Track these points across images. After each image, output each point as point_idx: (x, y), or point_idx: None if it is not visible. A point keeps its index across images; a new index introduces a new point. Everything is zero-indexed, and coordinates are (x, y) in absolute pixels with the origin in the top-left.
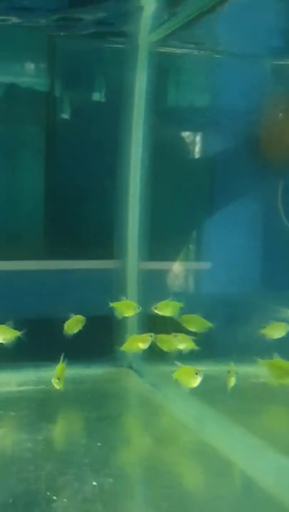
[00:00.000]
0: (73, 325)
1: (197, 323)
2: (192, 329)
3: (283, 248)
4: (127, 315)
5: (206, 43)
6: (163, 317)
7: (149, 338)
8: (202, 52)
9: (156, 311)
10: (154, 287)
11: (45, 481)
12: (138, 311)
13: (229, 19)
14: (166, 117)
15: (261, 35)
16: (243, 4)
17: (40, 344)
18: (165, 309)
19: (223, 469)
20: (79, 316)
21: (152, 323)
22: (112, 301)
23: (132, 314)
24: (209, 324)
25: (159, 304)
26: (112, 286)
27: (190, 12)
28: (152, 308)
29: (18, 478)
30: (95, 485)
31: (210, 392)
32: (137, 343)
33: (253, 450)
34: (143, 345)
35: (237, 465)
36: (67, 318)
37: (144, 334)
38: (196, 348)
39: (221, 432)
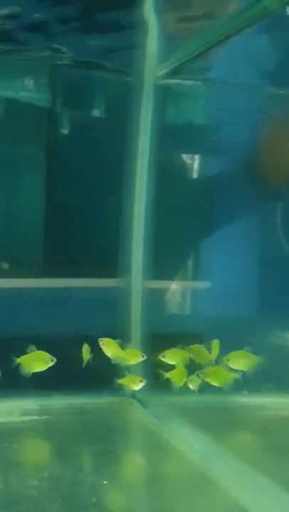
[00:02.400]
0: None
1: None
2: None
3: (282, 270)
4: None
5: (207, 73)
6: (166, 338)
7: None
8: (203, 82)
9: (164, 360)
10: (157, 306)
11: None
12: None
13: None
14: (169, 142)
15: (260, 65)
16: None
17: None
18: (172, 358)
19: (229, 509)
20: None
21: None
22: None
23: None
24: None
25: (167, 353)
26: (116, 305)
27: (197, 47)
28: (160, 356)
29: None
30: None
31: (216, 426)
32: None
33: (263, 491)
34: (136, 387)
35: (248, 508)
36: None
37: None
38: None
39: (230, 472)
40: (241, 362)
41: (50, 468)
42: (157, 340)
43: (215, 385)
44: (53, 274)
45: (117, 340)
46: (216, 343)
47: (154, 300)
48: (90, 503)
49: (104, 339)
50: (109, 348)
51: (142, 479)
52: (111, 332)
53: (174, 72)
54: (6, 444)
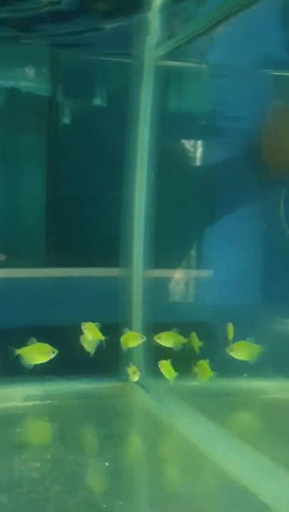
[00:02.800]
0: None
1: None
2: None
3: (285, 258)
4: (132, 345)
5: (208, 56)
6: (168, 327)
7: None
8: (205, 65)
9: (159, 341)
10: (158, 295)
11: (55, 503)
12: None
13: (231, 32)
14: (169, 129)
15: (263, 47)
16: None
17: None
18: (167, 340)
19: (234, 493)
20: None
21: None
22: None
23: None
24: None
25: (162, 335)
26: (117, 294)
27: (197, 27)
28: (155, 338)
29: (27, 500)
30: (105, 507)
31: (217, 409)
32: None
33: (264, 471)
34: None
35: (249, 489)
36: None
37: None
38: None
39: (231, 453)
40: (244, 352)
41: (52, 450)
42: (160, 330)
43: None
44: (55, 264)
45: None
46: (230, 327)
47: (156, 289)
48: (92, 484)
49: (87, 323)
50: (91, 332)
51: (143, 461)
52: (112, 321)
53: (175, 54)
54: (9, 428)
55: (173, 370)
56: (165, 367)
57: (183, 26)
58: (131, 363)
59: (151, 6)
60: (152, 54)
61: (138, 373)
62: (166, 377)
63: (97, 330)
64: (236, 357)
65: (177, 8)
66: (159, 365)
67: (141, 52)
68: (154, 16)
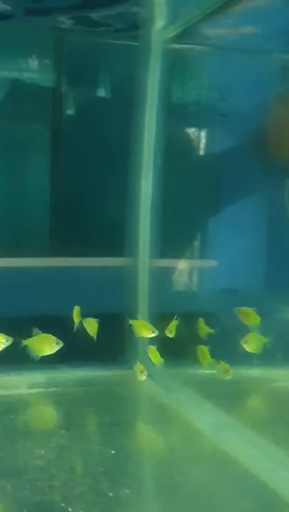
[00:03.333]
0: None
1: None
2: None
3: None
4: (144, 336)
5: (216, 38)
6: (173, 317)
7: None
8: (211, 48)
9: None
10: (164, 284)
11: (60, 491)
12: (154, 334)
13: (240, 14)
14: (174, 115)
15: (273, 29)
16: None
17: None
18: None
19: (243, 481)
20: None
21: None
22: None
23: (148, 336)
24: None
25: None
26: (123, 283)
27: (204, 8)
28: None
29: (32, 488)
30: (111, 496)
31: (225, 397)
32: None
33: (274, 460)
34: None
35: (258, 476)
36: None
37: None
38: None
39: (238, 441)
40: (255, 344)
41: (57, 438)
42: (166, 319)
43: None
44: (60, 254)
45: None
46: (201, 321)
47: (162, 278)
48: (98, 472)
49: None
50: (90, 326)
51: (150, 449)
52: (118, 311)
53: (183, 36)
54: (13, 416)
55: (159, 356)
56: (152, 352)
57: (191, 7)
58: (137, 361)
59: None
60: (160, 36)
61: (145, 372)
62: (153, 361)
63: (95, 327)
64: (248, 349)
65: None
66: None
67: (148, 34)
68: None
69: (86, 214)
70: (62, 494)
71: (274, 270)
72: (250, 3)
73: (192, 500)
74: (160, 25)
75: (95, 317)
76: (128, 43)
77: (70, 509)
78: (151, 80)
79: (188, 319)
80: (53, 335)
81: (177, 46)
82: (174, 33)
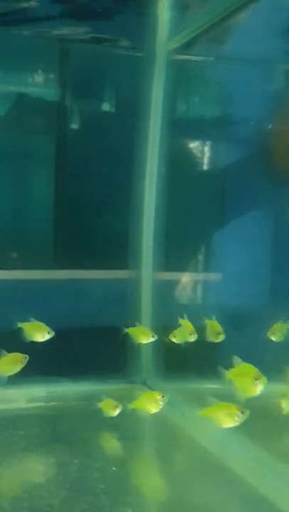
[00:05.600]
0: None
1: None
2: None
3: None
4: (142, 341)
5: (222, 50)
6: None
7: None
8: (217, 59)
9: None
10: (168, 297)
11: (59, 509)
12: (153, 339)
13: (244, 25)
14: (180, 126)
15: (276, 40)
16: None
17: (50, 358)
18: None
19: (249, 499)
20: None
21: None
22: (127, 327)
23: (147, 341)
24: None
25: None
26: (126, 296)
27: (208, 19)
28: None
29: (30, 506)
30: None
31: None
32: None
33: (278, 476)
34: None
35: (262, 492)
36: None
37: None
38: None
39: (244, 457)
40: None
41: (57, 454)
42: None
43: None
44: (64, 266)
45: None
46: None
47: (166, 291)
48: (99, 490)
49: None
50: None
51: (153, 466)
52: (121, 324)
53: (187, 47)
54: (11, 431)
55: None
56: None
57: (195, 18)
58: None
59: None
60: (164, 47)
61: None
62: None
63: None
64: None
65: None
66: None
67: (152, 45)
68: (164, 6)
69: (90, 226)
70: None
71: (280, 283)
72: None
73: None
74: (164, 37)
75: (97, 330)
76: (133, 54)
77: None
78: (155, 91)
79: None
80: (55, 349)
81: (182, 57)
82: (178, 44)
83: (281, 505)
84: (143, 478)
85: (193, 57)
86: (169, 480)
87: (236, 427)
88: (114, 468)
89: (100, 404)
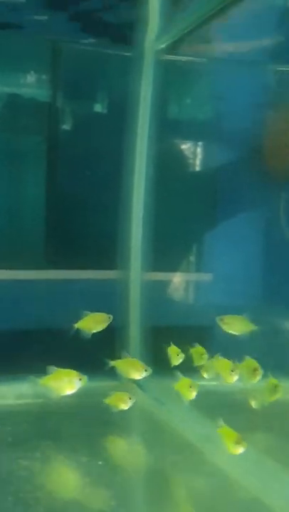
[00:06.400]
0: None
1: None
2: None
3: (285, 260)
4: (133, 377)
5: (209, 50)
6: (167, 329)
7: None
8: (206, 59)
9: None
10: (157, 298)
11: (44, 502)
12: (146, 374)
13: (233, 25)
14: (169, 127)
15: (265, 40)
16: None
17: (39, 355)
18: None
19: (232, 492)
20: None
21: (156, 336)
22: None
23: (139, 377)
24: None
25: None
26: (112, 296)
27: (195, 18)
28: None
29: (16, 499)
30: (97, 508)
31: (215, 409)
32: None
33: (263, 471)
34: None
35: (247, 487)
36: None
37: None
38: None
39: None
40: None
41: (43, 449)
42: (158, 333)
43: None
44: (55, 266)
45: None
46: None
47: (155, 292)
48: (84, 483)
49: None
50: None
51: (138, 460)
52: (110, 324)
53: (175, 47)
54: None
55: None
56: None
57: (183, 18)
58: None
59: None
60: (152, 47)
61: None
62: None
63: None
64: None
65: None
66: None
67: (141, 45)
68: (153, 6)
69: (82, 226)
70: (46, 506)
71: (271, 283)
72: (240, 15)
73: (178, 507)
74: (153, 37)
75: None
76: (122, 54)
77: None
78: (144, 91)
79: (181, 333)
80: (43, 347)
81: (170, 57)
82: (166, 44)
83: (264, 499)
84: (128, 472)
85: (182, 58)
86: (152, 474)
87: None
88: (100, 463)
89: (108, 400)
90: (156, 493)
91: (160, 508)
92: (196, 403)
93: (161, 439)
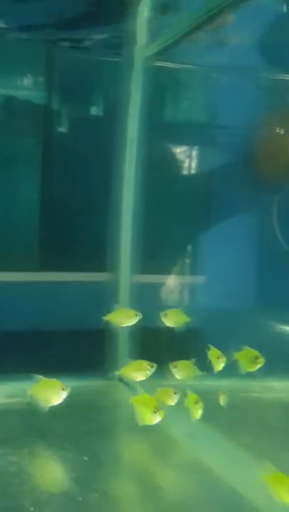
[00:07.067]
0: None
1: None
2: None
3: (277, 263)
4: (126, 324)
5: (201, 58)
6: (156, 331)
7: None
8: (197, 67)
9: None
10: (147, 300)
11: (30, 495)
12: (139, 318)
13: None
14: (162, 131)
15: (258, 50)
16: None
17: (30, 356)
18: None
19: (213, 486)
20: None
21: (145, 337)
22: (104, 315)
23: (133, 323)
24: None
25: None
26: (103, 299)
27: (184, 26)
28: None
29: (2, 492)
30: (80, 500)
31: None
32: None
33: (243, 466)
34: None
35: (227, 481)
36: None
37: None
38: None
39: (212, 448)
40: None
41: (32, 445)
42: (148, 335)
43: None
44: (50, 268)
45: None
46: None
47: (146, 294)
48: (70, 478)
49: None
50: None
51: (123, 455)
52: (99, 326)
53: (165, 53)
54: None
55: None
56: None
57: (172, 25)
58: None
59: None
60: (142, 53)
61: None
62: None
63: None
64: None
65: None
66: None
67: (130, 51)
68: (142, 13)
69: (76, 228)
70: (32, 499)
71: (262, 286)
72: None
73: (161, 504)
74: (142, 43)
75: (77, 331)
76: (113, 59)
77: None
78: (133, 96)
79: (171, 334)
80: (34, 348)
81: (160, 64)
82: (155, 51)
83: (239, 489)
84: (113, 467)
85: (172, 64)
86: (137, 469)
87: (204, 420)
88: (86, 459)
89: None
90: (139, 486)
91: (142, 500)
92: (182, 401)
93: (146, 436)
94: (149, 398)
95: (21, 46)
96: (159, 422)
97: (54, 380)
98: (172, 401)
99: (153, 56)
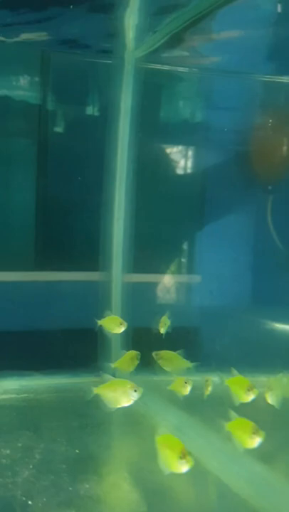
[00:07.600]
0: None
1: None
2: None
3: (272, 262)
4: (115, 332)
5: (192, 60)
6: (148, 330)
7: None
8: (189, 69)
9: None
10: (139, 299)
11: (22, 486)
12: (124, 328)
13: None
14: (154, 132)
15: (249, 52)
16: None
17: (24, 354)
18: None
19: (199, 476)
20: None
21: (137, 336)
22: (98, 318)
23: (121, 331)
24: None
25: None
26: (97, 297)
27: (173, 27)
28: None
29: None
30: (70, 490)
31: (189, 402)
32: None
33: (229, 458)
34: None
35: (213, 472)
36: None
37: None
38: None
39: (199, 440)
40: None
41: (24, 439)
42: (140, 334)
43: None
44: (45, 268)
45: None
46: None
47: (138, 293)
48: (61, 469)
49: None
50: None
51: (113, 448)
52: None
53: (156, 54)
54: None
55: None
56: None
57: (162, 27)
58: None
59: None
60: (132, 55)
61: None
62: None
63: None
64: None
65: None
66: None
67: (121, 52)
68: (131, 15)
69: (71, 228)
70: (23, 489)
71: (256, 284)
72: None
73: (149, 492)
74: (132, 45)
75: (70, 329)
76: (105, 61)
77: (30, 502)
78: (124, 97)
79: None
80: (28, 346)
81: (151, 66)
82: (145, 52)
83: (225, 480)
84: (103, 459)
85: (162, 66)
86: (126, 461)
87: (193, 415)
88: (77, 451)
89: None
90: (126, 476)
91: (130, 488)
92: (171, 396)
93: (137, 430)
94: (177, 441)
95: (16, 48)
96: (150, 417)
97: (125, 380)
98: (186, 390)
99: (143, 58)
